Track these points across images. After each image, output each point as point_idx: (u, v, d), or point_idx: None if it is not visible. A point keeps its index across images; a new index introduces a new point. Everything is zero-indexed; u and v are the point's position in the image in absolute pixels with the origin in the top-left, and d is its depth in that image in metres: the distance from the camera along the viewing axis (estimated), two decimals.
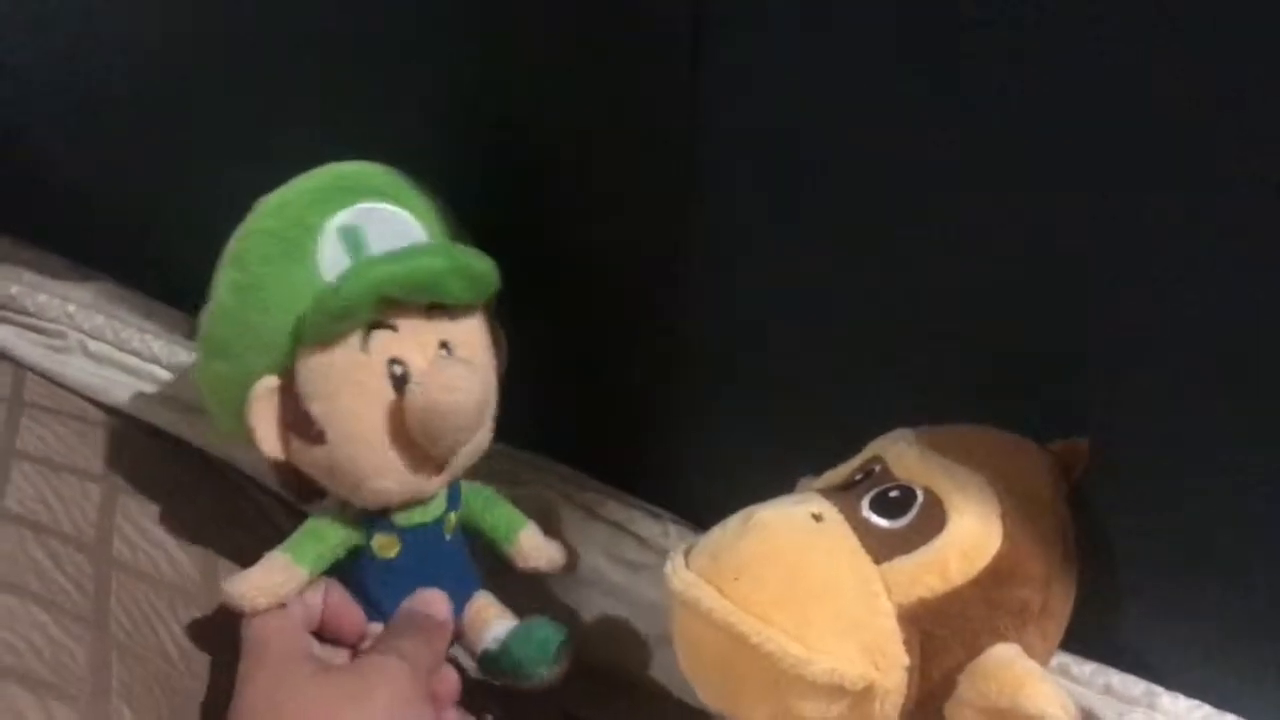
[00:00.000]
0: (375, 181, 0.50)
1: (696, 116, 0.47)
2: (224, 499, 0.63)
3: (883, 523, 0.41)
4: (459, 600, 0.53)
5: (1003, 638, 0.40)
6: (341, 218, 0.48)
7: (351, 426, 0.47)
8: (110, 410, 0.64)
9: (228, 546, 0.58)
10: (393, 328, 0.48)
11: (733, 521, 0.42)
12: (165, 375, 0.65)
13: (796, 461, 0.49)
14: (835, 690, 0.39)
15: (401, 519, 0.51)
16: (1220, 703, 0.47)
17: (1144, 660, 0.48)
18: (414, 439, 0.47)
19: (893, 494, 0.42)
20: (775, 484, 0.46)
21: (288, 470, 0.50)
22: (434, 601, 0.51)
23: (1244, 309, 0.40)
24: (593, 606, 0.60)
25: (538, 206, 0.54)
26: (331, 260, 0.47)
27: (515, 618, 0.54)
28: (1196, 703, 0.47)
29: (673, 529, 0.58)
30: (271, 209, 0.49)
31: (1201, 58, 0.37)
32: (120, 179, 0.67)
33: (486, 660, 0.53)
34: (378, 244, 0.48)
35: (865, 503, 0.42)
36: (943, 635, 0.40)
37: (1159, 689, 0.48)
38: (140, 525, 0.57)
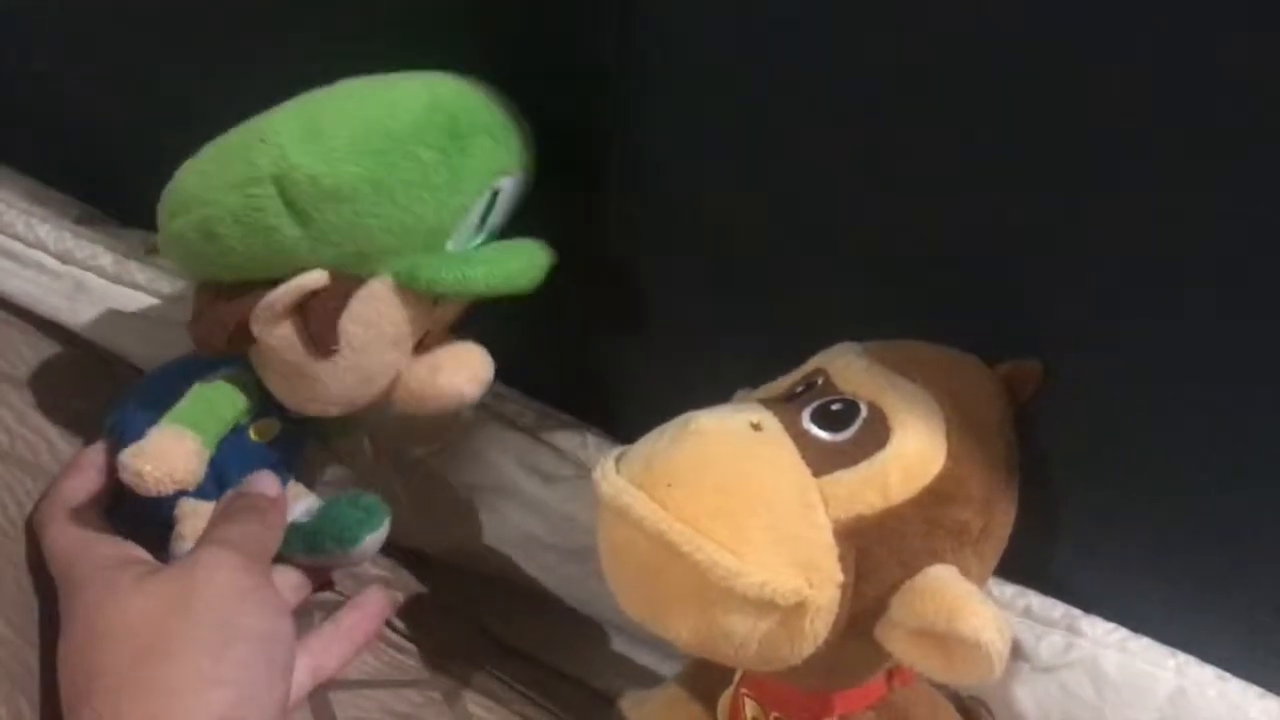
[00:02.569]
0: (521, 142, 0.47)
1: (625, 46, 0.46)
2: (110, 390, 0.59)
3: (824, 435, 0.40)
4: None
5: (940, 559, 0.39)
6: (500, 181, 0.46)
7: (365, 361, 0.45)
8: None
9: None
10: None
11: (668, 428, 0.40)
12: (50, 262, 0.61)
13: (726, 375, 0.48)
14: (766, 605, 0.37)
15: (294, 411, 0.49)
16: (1137, 626, 0.47)
17: (1064, 584, 0.48)
18: (405, 396, 0.46)
19: (835, 407, 0.40)
20: (703, 397, 0.44)
21: (234, 332, 0.45)
22: (263, 480, 0.49)
23: (1188, 235, 0.39)
24: (505, 518, 0.58)
25: None
26: (473, 217, 0.46)
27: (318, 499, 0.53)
28: (1114, 626, 0.47)
29: (591, 440, 0.56)
30: (449, 127, 0.44)
31: None
32: (12, 63, 0.62)
33: (295, 532, 0.50)
34: (498, 213, 0.47)
35: (806, 414, 0.40)
36: (879, 553, 0.39)
37: (1077, 612, 0.48)
38: (20, 412, 0.54)
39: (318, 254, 0.43)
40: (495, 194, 0.46)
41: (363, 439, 0.56)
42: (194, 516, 0.48)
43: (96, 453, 0.49)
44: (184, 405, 0.46)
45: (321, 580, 0.54)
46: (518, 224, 0.49)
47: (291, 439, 0.51)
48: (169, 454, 0.44)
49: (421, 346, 0.47)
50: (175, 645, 0.41)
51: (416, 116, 0.44)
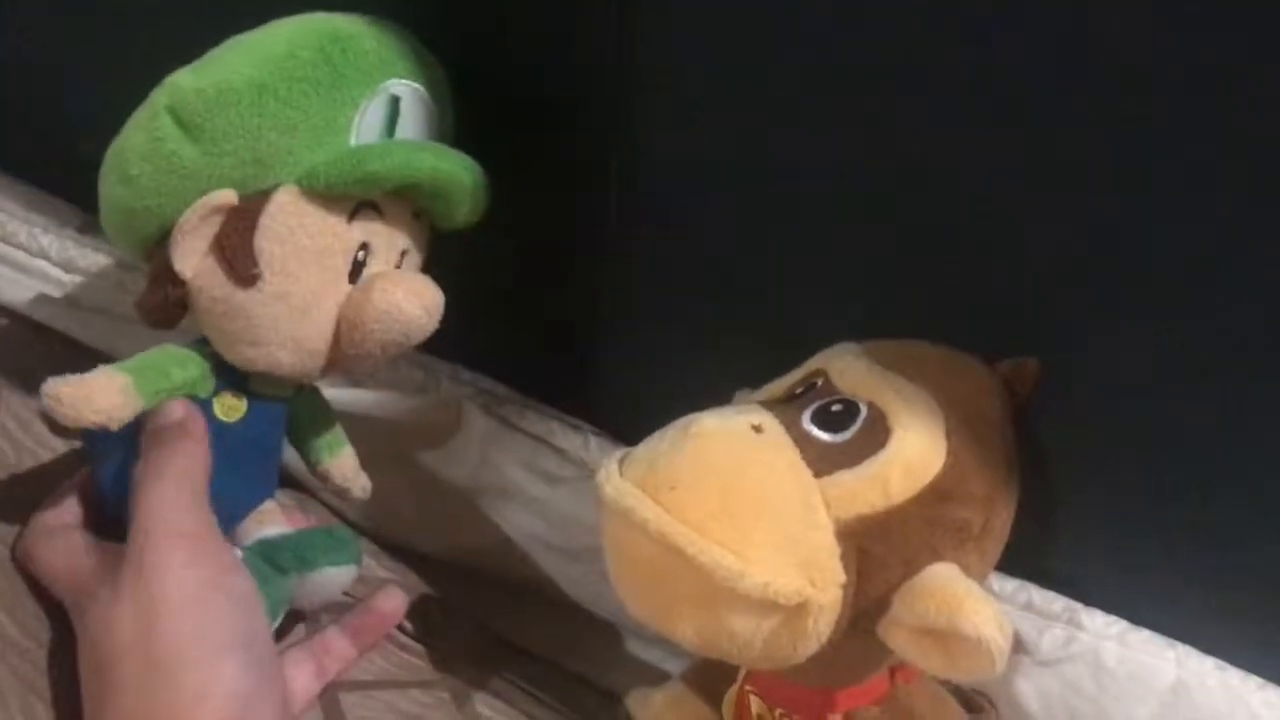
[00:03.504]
0: (419, 59, 0.47)
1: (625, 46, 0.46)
2: None
3: (824, 436, 0.40)
4: (253, 500, 0.50)
5: (941, 557, 0.39)
6: (396, 86, 0.46)
7: (292, 286, 0.44)
8: None
9: None
10: (380, 212, 0.46)
11: (670, 431, 0.40)
12: (53, 270, 0.61)
13: (726, 376, 0.48)
14: (769, 605, 0.38)
15: (257, 384, 0.48)
16: (1136, 618, 0.47)
17: (1065, 577, 0.48)
18: (347, 330, 0.45)
19: (835, 407, 0.41)
20: (704, 398, 0.44)
21: (165, 286, 0.45)
22: (170, 410, 0.45)
23: (1188, 236, 0.40)
24: (510, 519, 0.59)
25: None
26: (370, 120, 0.45)
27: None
28: (1114, 619, 0.47)
29: (593, 441, 0.56)
30: (330, 33, 0.45)
31: None
32: (13, 70, 0.62)
33: (263, 543, 0.49)
34: (405, 126, 0.46)
35: (807, 416, 0.41)
36: (881, 552, 0.39)
37: (1078, 605, 0.48)
38: (25, 423, 0.54)
39: (218, 170, 0.43)
40: (395, 101, 0.46)
41: (354, 464, 0.54)
42: None
43: (74, 482, 0.49)
44: (129, 360, 0.45)
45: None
46: (520, 223, 0.49)
47: (264, 425, 0.49)
48: (91, 385, 0.43)
49: None
50: (161, 668, 0.40)
51: (293, 29, 0.45)
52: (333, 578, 0.49)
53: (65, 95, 0.61)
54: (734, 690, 0.48)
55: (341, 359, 0.46)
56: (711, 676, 0.49)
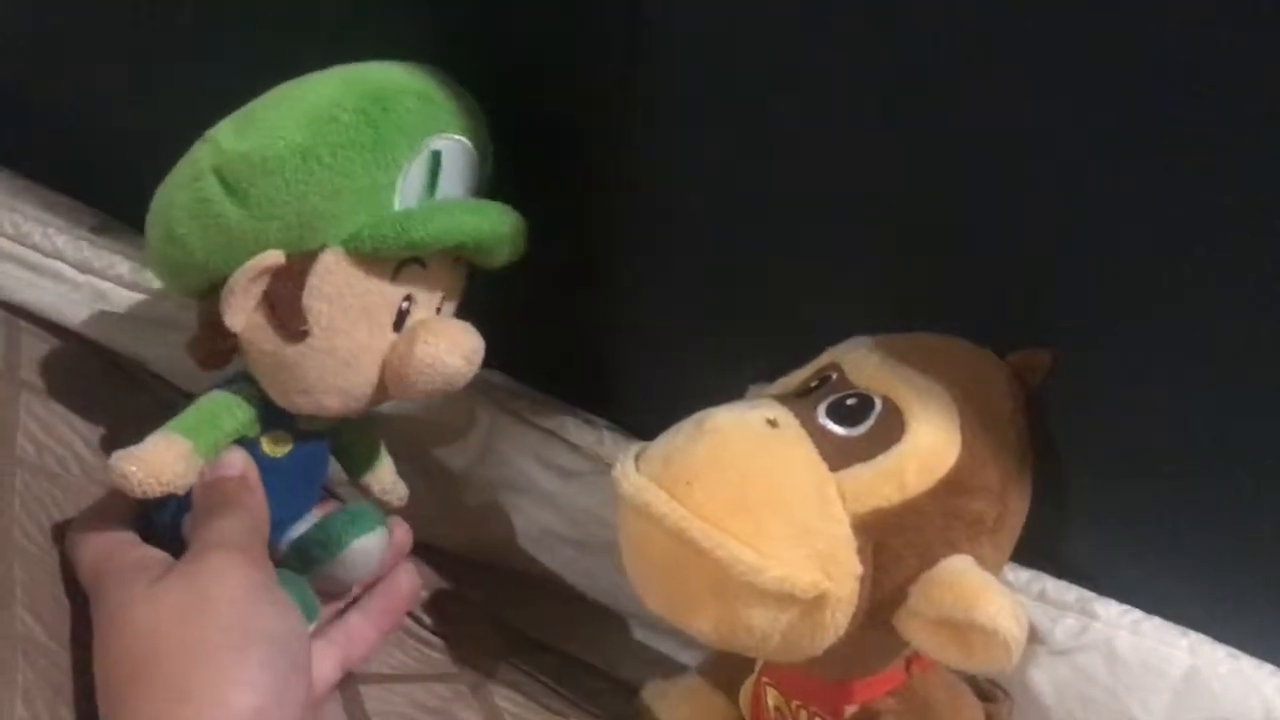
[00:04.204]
0: (459, 107, 0.48)
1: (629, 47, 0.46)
2: (132, 398, 0.60)
3: (839, 430, 0.40)
4: (295, 518, 0.51)
5: (957, 549, 0.40)
6: (437, 141, 0.46)
7: (340, 341, 0.45)
8: (11, 308, 0.61)
9: None
10: (424, 265, 0.47)
11: (685, 425, 0.41)
12: (69, 271, 0.61)
13: (740, 370, 0.48)
14: (786, 598, 0.38)
15: (304, 422, 0.49)
16: (1150, 606, 0.47)
17: (1077, 568, 0.48)
18: (391, 378, 0.46)
19: (850, 401, 0.41)
20: (717, 392, 0.44)
21: (216, 337, 0.46)
22: (228, 461, 0.47)
23: (1196, 227, 0.40)
24: (524, 513, 0.59)
25: None
26: (412, 181, 0.46)
27: None
28: (1127, 608, 0.48)
29: (607, 436, 0.56)
30: (372, 93, 0.45)
31: None
32: (27, 71, 0.63)
33: (291, 548, 0.50)
34: (447, 179, 0.47)
35: (822, 409, 0.41)
36: (897, 545, 0.39)
37: (1091, 595, 0.48)
38: (46, 423, 0.54)
39: (265, 232, 0.44)
40: (436, 156, 0.46)
41: (392, 475, 0.55)
42: None
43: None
44: (182, 415, 0.47)
45: (332, 614, 0.52)
46: (534, 222, 0.49)
47: (309, 457, 0.50)
48: (157, 456, 0.44)
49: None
50: (196, 651, 0.41)
51: (333, 88, 0.45)
52: (364, 548, 0.49)
53: (79, 97, 0.62)
54: (750, 682, 0.48)
55: (385, 398, 0.48)
56: (727, 669, 0.50)
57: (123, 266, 0.60)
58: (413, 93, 0.46)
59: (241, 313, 0.45)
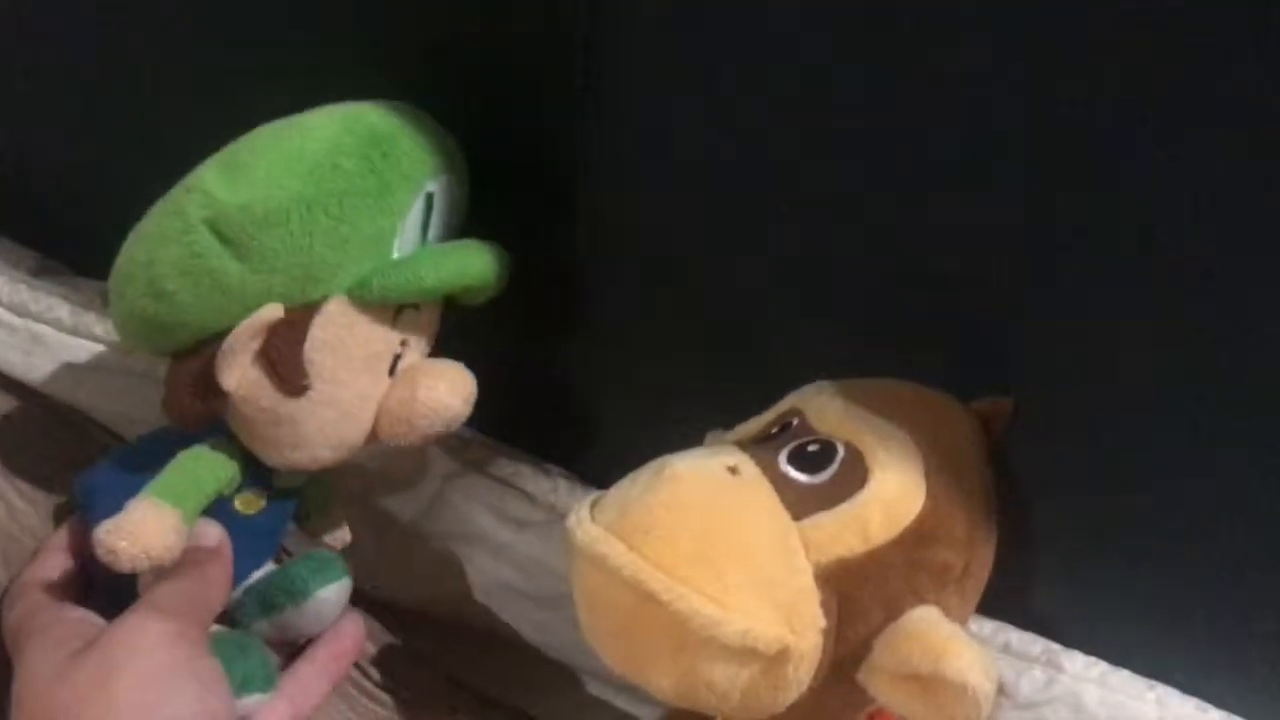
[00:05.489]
0: (446, 146, 0.47)
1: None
2: (67, 444, 0.58)
3: (802, 478, 0.39)
4: (252, 571, 0.50)
5: (923, 600, 0.39)
6: (431, 184, 0.46)
7: (341, 392, 0.44)
8: None
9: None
10: (418, 308, 0.46)
11: (643, 474, 0.40)
12: (4, 314, 0.59)
13: (698, 416, 0.47)
14: (748, 653, 0.37)
15: (281, 479, 0.48)
16: (1117, 660, 0.47)
17: (1043, 620, 0.48)
18: (389, 424, 0.45)
19: (812, 448, 0.40)
20: (676, 439, 0.43)
21: (206, 397, 0.44)
22: (203, 531, 0.46)
23: (1170, 267, 0.39)
24: (476, 565, 0.58)
25: None
26: (409, 226, 0.45)
27: None
28: (1094, 660, 0.47)
29: (562, 484, 0.55)
30: (369, 137, 0.44)
31: None
32: None
33: (250, 594, 0.49)
34: (437, 220, 0.47)
35: (783, 456, 0.40)
36: (861, 596, 0.38)
37: (1057, 646, 0.47)
38: None
39: (266, 287, 0.43)
40: (430, 198, 0.46)
41: (340, 519, 0.54)
42: None
43: (61, 535, 0.48)
44: (165, 477, 0.45)
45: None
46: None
47: (279, 513, 0.49)
48: (146, 530, 0.42)
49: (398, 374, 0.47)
50: None
51: (331, 134, 0.44)
52: (329, 598, 0.49)
53: (18, 137, 0.60)
54: None
55: (373, 444, 0.46)
56: None
57: (61, 309, 0.58)
58: (408, 135, 0.45)
59: (238, 369, 0.43)
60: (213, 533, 0.46)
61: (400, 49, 0.49)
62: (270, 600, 0.48)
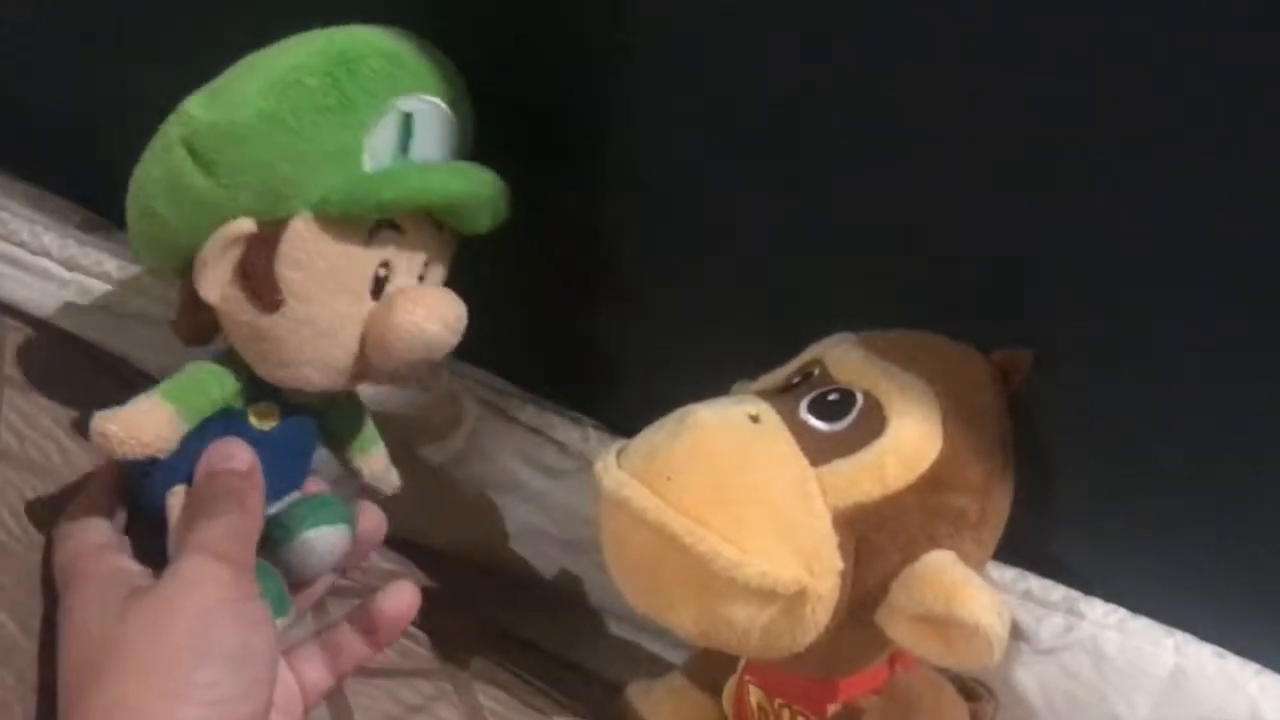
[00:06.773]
0: (430, 69, 0.47)
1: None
2: (117, 393, 0.59)
3: (821, 425, 0.40)
4: (279, 495, 0.49)
5: (939, 544, 0.39)
6: (407, 102, 0.45)
7: (316, 310, 0.45)
8: None
9: None
10: (399, 229, 0.46)
11: (667, 421, 0.41)
12: (55, 268, 0.61)
13: (724, 367, 0.48)
14: (767, 594, 0.38)
15: (289, 395, 0.48)
16: (1136, 606, 0.47)
17: (1063, 566, 0.48)
18: (371, 347, 0.45)
19: (832, 397, 0.41)
20: (701, 389, 0.44)
21: (196, 311, 0.46)
22: (232, 451, 0.46)
23: (1182, 224, 0.40)
24: (510, 513, 0.59)
25: None
26: (381, 143, 0.45)
27: None
28: (1113, 607, 0.47)
29: (593, 434, 0.56)
30: (337, 56, 0.44)
31: None
32: (16, 69, 0.63)
33: (268, 521, 0.48)
34: (421, 140, 0.46)
35: (803, 405, 0.41)
36: (878, 541, 0.39)
37: (1077, 594, 0.48)
38: (28, 416, 0.54)
39: (235, 201, 0.43)
40: (408, 117, 0.46)
41: (385, 462, 0.54)
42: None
43: (105, 471, 0.49)
44: (167, 381, 0.46)
45: (308, 603, 0.52)
46: (516, 218, 0.48)
47: (297, 432, 0.49)
48: (139, 418, 0.44)
49: None
50: (150, 665, 0.41)
51: (301, 53, 0.44)
52: (315, 541, 0.48)
53: (69, 96, 0.62)
54: (733, 682, 0.48)
55: (368, 371, 0.47)
56: (711, 668, 0.50)
57: (109, 264, 0.60)
58: (380, 53, 0.45)
59: (216, 284, 0.44)
60: (244, 455, 0.46)
61: None
62: (270, 535, 0.48)
